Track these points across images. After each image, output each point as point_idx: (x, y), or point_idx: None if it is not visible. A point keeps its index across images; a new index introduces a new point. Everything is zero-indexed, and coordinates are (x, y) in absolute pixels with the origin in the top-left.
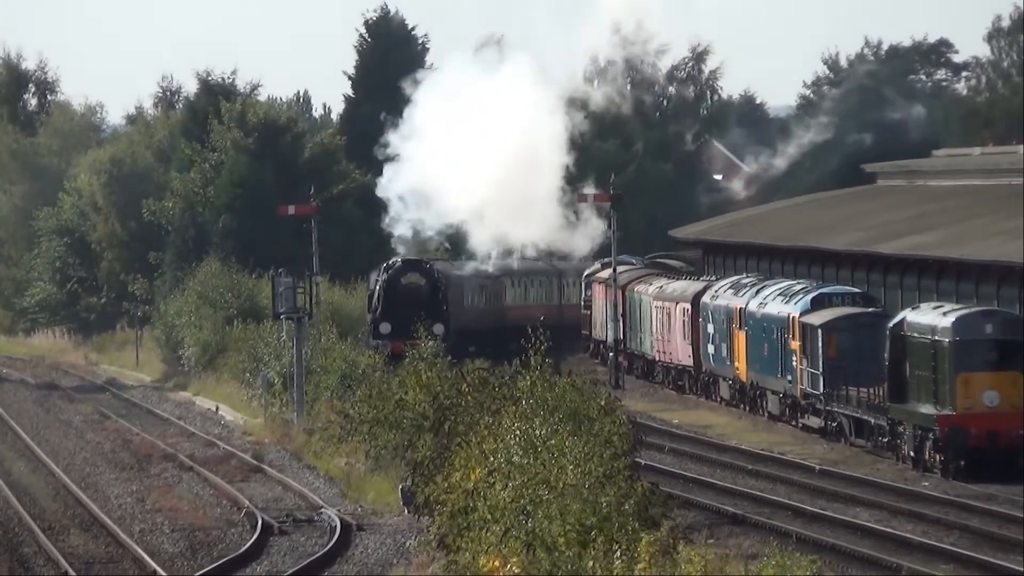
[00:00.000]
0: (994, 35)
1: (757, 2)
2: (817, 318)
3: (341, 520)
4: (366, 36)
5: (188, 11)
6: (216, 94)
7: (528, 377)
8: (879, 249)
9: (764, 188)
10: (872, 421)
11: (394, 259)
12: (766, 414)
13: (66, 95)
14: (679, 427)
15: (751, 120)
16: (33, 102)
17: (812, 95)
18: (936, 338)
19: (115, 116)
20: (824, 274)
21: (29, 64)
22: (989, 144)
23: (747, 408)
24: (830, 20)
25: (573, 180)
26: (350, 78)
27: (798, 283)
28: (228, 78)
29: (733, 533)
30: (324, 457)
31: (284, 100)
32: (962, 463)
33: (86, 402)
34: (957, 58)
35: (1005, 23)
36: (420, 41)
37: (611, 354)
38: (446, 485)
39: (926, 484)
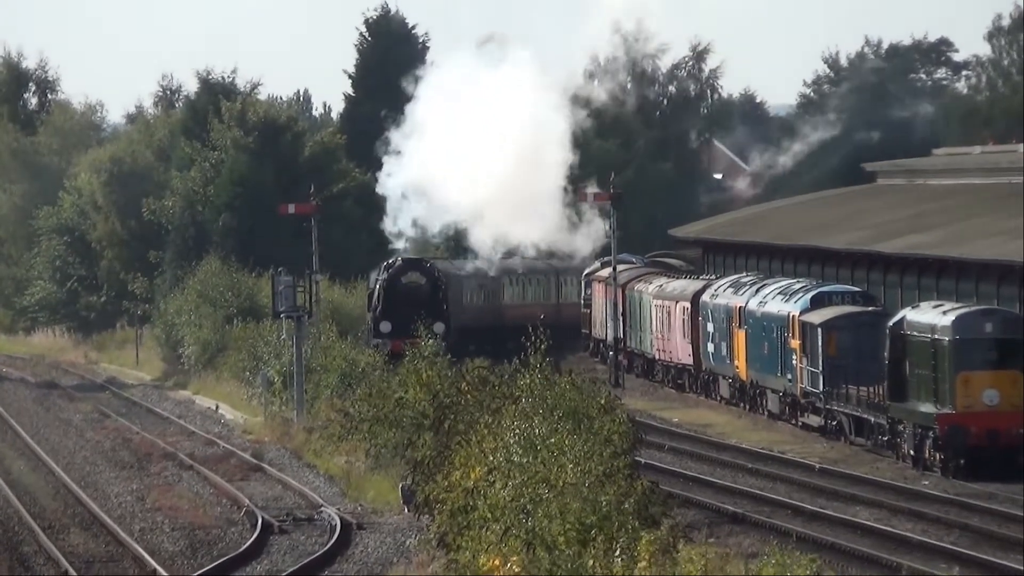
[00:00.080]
0: (994, 34)
1: (757, 2)
2: (817, 317)
3: (341, 519)
4: (366, 35)
5: (188, 11)
6: (216, 93)
7: (528, 376)
8: (879, 248)
9: (768, 186)
10: (872, 420)
11: (394, 258)
12: (766, 413)
13: (66, 94)
14: (679, 426)
15: (751, 119)
16: (33, 101)
17: (812, 94)
18: (936, 337)
19: (115, 115)
20: (824, 273)
21: (30, 63)
22: (989, 143)
23: (747, 407)
24: (830, 19)
25: (575, 180)
26: (350, 77)
27: (798, 282)
28: (228, 77)
29: (733, 532)
30: (324, 456)
31: (284, 99)
32: (962, 462)
33: (86, 401)
34: (957, 57)
35: (1005, 22)
36: (420, 40)
37: (611, 353)
38: (446, 484)
39: (926, 483)
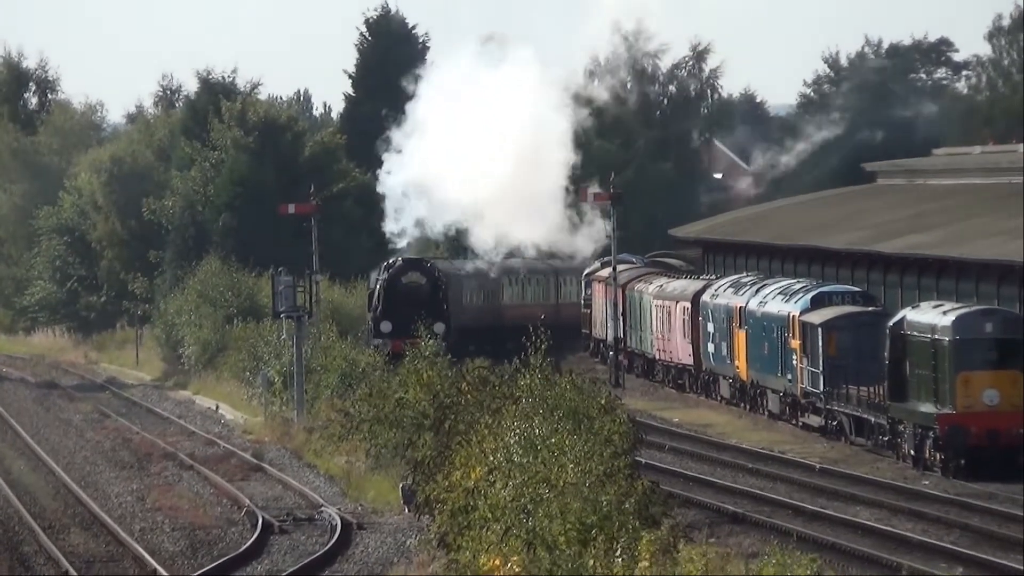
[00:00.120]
0: (995, 33)
1: (757, 2)
2: (817, 317)
3: (341, 519)
4: (366, 35)
5: (188, 11)
6: (216, 93)
7: (528, 376)
8: (879, 248)
9: (769, 186)
10: (872, 420)
11: (394, 258)
12: (766, 413)
13: (66, 94)
14: (679, 426)
15: (752, 118)
16: (34, 101)
17: (813, 93)
18: (936, 337)
19: (115, 115)
20: (824, 273)
21: (30, 63)
22: (989, 143)
23: (747, 407)
24: (830, 19)
25: (576, 180)
26: (350, 77)
27: (798, 282)
28: (228, 77)
29: (733, 532)
30: (324, 456)
31: (284, 99)
32: (962, 462)
33: (86, 401)
34: (957, 57)
35: (1006, 22)
36: (420, 40)
37: (611, 353)
38: (446, 484)
39: (926, 483)
